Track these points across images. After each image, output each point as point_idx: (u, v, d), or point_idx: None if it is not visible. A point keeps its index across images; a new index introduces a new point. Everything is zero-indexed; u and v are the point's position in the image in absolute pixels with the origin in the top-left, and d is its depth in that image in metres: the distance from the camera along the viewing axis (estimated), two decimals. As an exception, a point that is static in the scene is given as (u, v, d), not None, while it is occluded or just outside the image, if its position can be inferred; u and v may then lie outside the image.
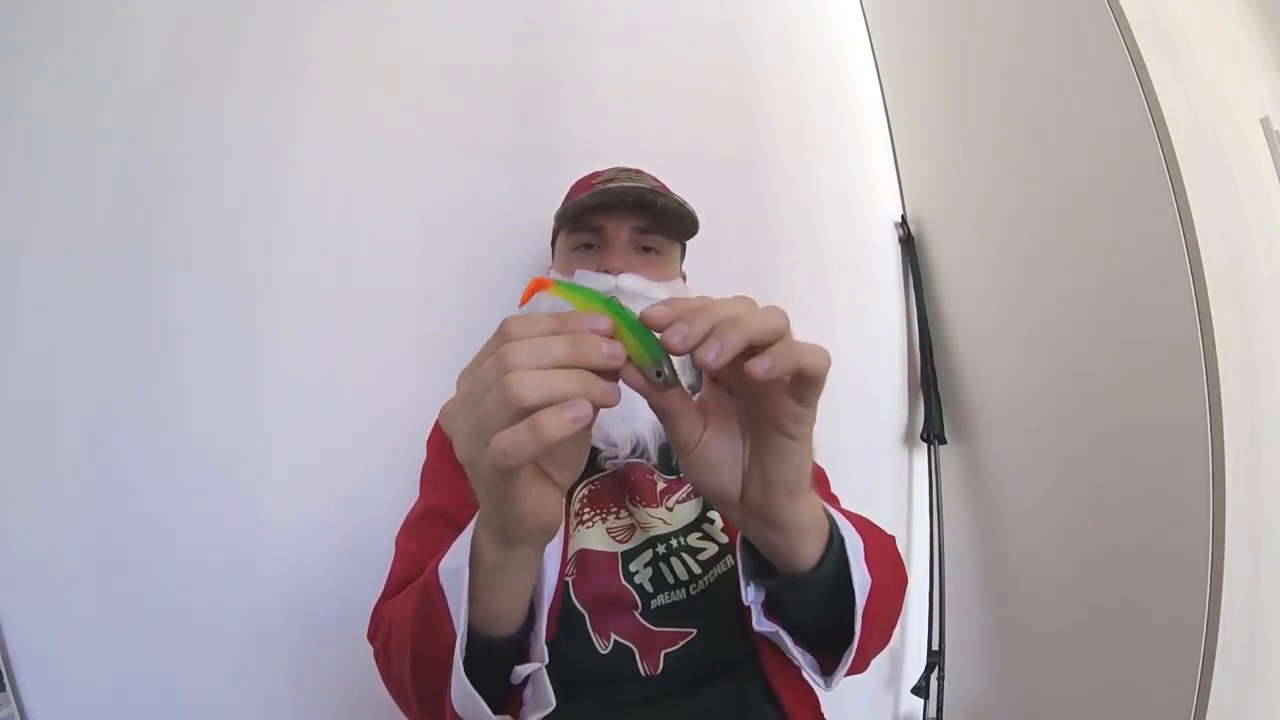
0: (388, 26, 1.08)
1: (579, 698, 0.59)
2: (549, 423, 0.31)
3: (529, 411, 0.31)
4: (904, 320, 1.18)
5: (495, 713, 0.44)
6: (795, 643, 0.50)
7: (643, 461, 0.67)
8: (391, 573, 0.64)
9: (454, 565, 0.43)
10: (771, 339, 0.34)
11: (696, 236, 0.79)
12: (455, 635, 0.42)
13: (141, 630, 0.88)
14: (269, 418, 0.94)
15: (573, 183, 0.82)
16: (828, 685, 0.50)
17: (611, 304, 0.36)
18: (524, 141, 1.08)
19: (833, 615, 0.47)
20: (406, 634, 0.49)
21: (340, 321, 0.98)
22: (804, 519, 0.42)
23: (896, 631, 1.10)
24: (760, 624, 0.48)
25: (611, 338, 0.34)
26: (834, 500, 0.67)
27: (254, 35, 1.02)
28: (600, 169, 0.81)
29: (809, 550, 0.44)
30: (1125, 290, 0.79)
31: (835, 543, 0.45)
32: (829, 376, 0.36)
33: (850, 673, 0.52)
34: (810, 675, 0.51)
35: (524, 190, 1.03)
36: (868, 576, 0.47)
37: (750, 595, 0.47)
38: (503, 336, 0.34)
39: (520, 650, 0.46)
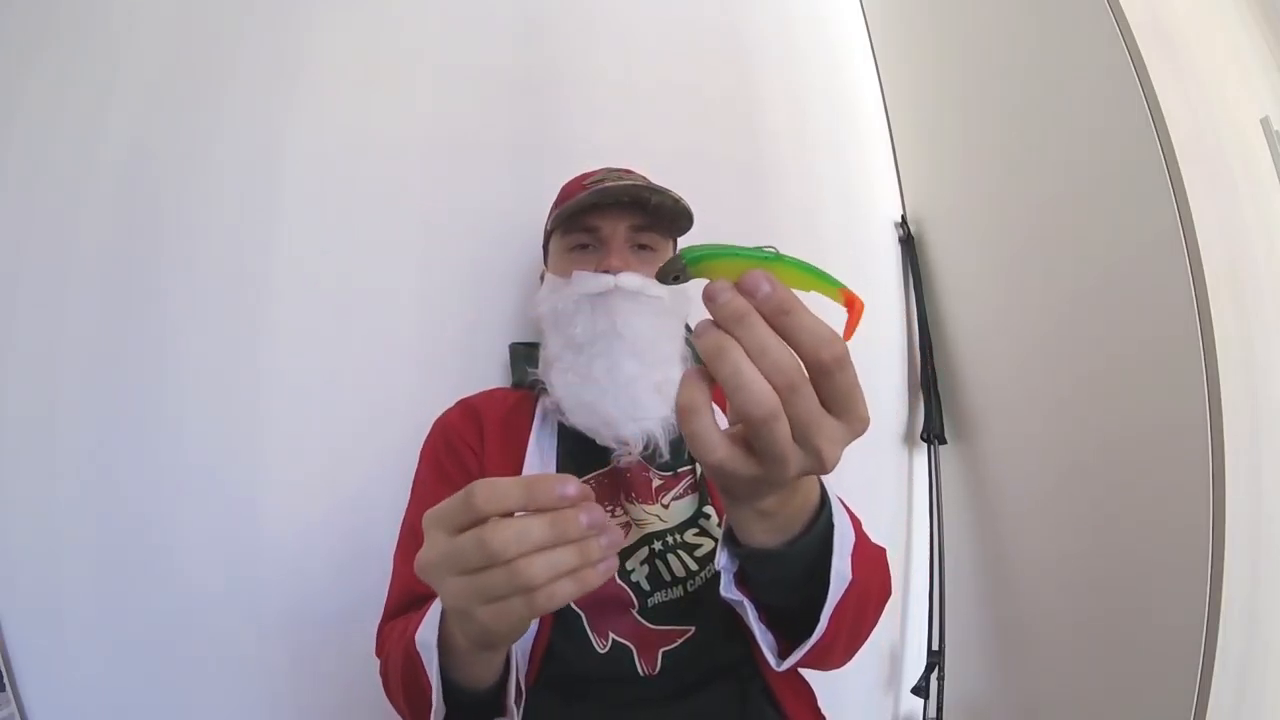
0: (388, 27, 1.08)
1: (578, 698, 0.59)
2: (590, 575, 0.36)
3: (535, 589, 0.34)
4: (904, 320, 1.18)
5: None
6: (759, 617, 0.49)
7: (640, 460, 0.67)
8: (389, 594, 0.66)
9: (426, 639, 0.47)
10: (739, 400, 0.32)
11: (698, 237, 0.78)
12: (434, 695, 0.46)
13: (141, 630, 0.88)
14: (269, 418, 0.94)
15: (563, 185, 0.82)
16: (778, 666, 0.50)
17: (774, 257, 0.34)
18: (524, 141, 1.08)
19: (801, 601, 0.47)
20: (398, 683, 0.53)
21: (340, 322, 0.98)
22: (761, 507, 0.41)
23: (897, 631, 1.11)
24: (727, 590, 0.48)
25: (671, 260, 0.33)
26: None
27: (254, 35, 1.02)
28: (590, 170, 0.81)
29: (755, 532, 0.42)
30: (1125, 290, 0.79)
31: (819, 527, 0.44)
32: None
33: (808, 666, 0.52)
34: (766, 653, 0.50)
35: (524, 190, 1.03)
36: (849, 573, 0.46)
37: (722, 560, 0.47)
38: (472, 507, 0.35)
39: (502, 695, 0.49)
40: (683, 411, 0.34)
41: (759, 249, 0.33)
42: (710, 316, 0.33)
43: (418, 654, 0.47)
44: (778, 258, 0.33)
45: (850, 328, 0.34)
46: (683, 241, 0.81)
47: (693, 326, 0.35)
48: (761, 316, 0.32)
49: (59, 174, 0.93)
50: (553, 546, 0.35)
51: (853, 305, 0.35)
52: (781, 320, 0.32)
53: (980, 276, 1.06)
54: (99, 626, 0.87)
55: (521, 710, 0.49)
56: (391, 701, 0.58)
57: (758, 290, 0.32)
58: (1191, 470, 0.69)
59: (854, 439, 0.35)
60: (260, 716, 0.90)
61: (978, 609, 1.05)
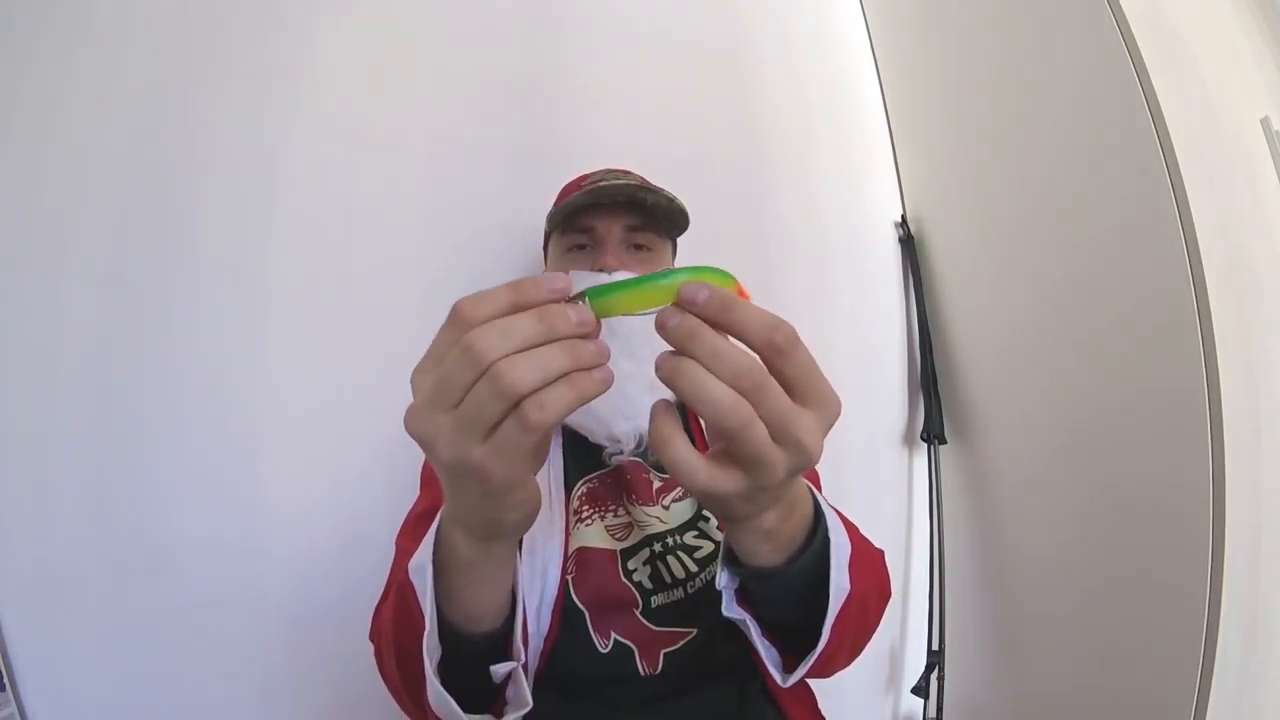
0: (389, 28, 1.07)
1: (577, 697, 0.59)
2: (586, 381, 0.32)
3: (525, 397, 0.30)
4: (904, 320, 1.18)
5: (483, 711, 0.44)
6: (762, 633, 0.49)
7: (639, 460, 0.68)
8: (391, 572, 0.64)
9: (420, 562, 0.43)
10: (709, 415, 0.32)
11: (697, 237, 0.79)
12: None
13: (141, 630, 0.88)
14: (268, 418, 0.94)
15: (562, 186, 0.82)
16: (784, 681, 0.49)
17: (668, 273, 0.34)
18: (525, 143, 1.08)
19: (804, 615, 0.46)
20: (389, 632, 0.49)
21: (340, 322, 0.98)
22: (746, 527, 0.41)
23: (897, 631, 1.11)
24: (729, 609, 0.47)
25: (572, 298, 0.33)
26: None
27: (254, 35, 1.02)
28: (588, 171, 0.81)
29: (758, 553, 0.42)
30: (1125, 291, 0.79)
31: (817, 542, 0.44)
32: (831, 378, 0.35)
33: (812, 676, 0.51)
34: (771, 669, 0.49)
35: (525, 191, 1.03)
36: (847, 584, 0.46)
37: (723, 580, 0.46)
38: (460, 322, 0.32)
39: (505, 647, 0.45)
40: (656, 445, 0.34)
41: (653, 274, 0.34)
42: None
43: (410, 585, 0.43)
44: (672, 272, 0.34)
45: None
46: (682, 242, 0.81)
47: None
48: (710, 324, 0.32)
49: (59, 174, 0.93)
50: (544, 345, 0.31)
51: (742, 297, 0.35)
52: (728, 318, 0.32)
53: (980, 276, 1.06)
54: (99, 626, 0.87)
55: (527, 655, 0.46)
56: (387, 682, 0.54)
57: (697, 297, 0.32)
58: (1192, 470, 0.69)
59: (830, 424, 0.34)
60: (260, 716, 0.90)
61: (978, 609, 1.06)
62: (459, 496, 0.37)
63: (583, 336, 0.32)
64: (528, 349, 0.31)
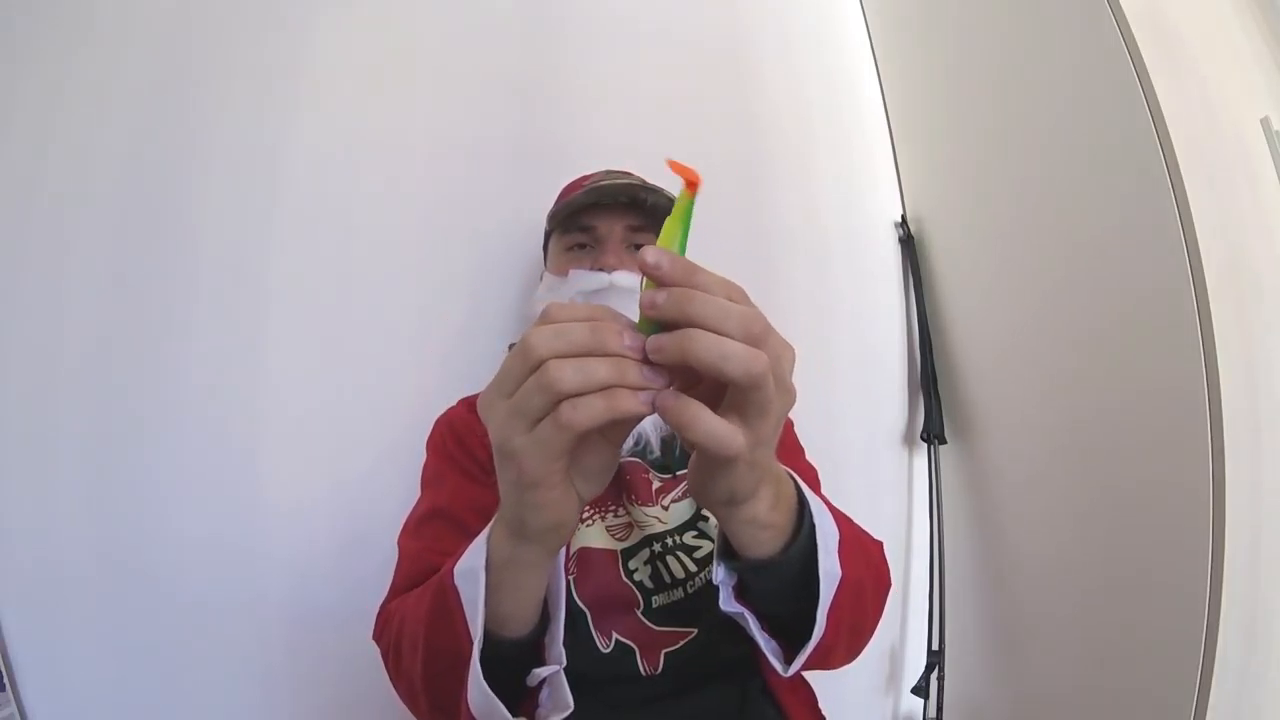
0: (389, 28, 1.07)
1: (578, 697, 0.59)
2: (625, 398, 0.32)
3: (566, 397, 0.32)
4: (904, 320, 1.18)
5: (514, 713, 0.44)
6: (761, 627, 0.49)
7: (638, 461, 0.68)
8: (397, 573, 0.65)
9: (469, 566, 0.43)
10: (735, 373, 0.31)
11: (697, 237, 0.78)
12: (469, 636, 0.42)
13: (141, 630, 0.87)
14: (269, 418, 0.94)
15: (563, 186, 0.82)
16: (784, 672, 0.49)
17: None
18: (525, 142, 1.08)
19: (800, 607, 0.46)
20: (419, 634, 0.48)
21: (341, 322, 0.98)
22: (745, 515, 0.41)
23: (897, 631, 1.11)
24: (726, 604, 0.47)
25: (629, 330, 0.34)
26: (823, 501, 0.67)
27: (254, 35, 1.02)
28: (589, 172, 0.81)
29: (758, 542, 0.42)
30: (1125, 291, 0.79)
31: (804, 530, 0.44)
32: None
33: (812, 668, 0.51)
34: (771, 660, 0.49)
35: (524, 191, 1.03)
36: (838, 570, 0.45)
37: (719, 575, 0.46)
38: (544, 316, 0.34)
39: (532, 652, 0.46)
40: (686, 425, 0.33)
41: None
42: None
43: (454, 588, 0.44)
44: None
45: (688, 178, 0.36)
46: (690, 247, 0.81)
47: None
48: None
49: (59, 174, 0.93)
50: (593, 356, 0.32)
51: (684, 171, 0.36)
52: (694, 281, 0.32)
53: (980, 277, 1.06)
54: (99, 626, 0.87)
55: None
56: (400, 682, 0.54)
57: (661, 263, 0.32)
58: (1192, 470, 0.69)
59: (793, 367, 0.36)
60: (260, 716, 0.90)
61: (978, 609, 1.06)
62: (501, 483, 0.38)
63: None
64: (578, 354, 0.32)
